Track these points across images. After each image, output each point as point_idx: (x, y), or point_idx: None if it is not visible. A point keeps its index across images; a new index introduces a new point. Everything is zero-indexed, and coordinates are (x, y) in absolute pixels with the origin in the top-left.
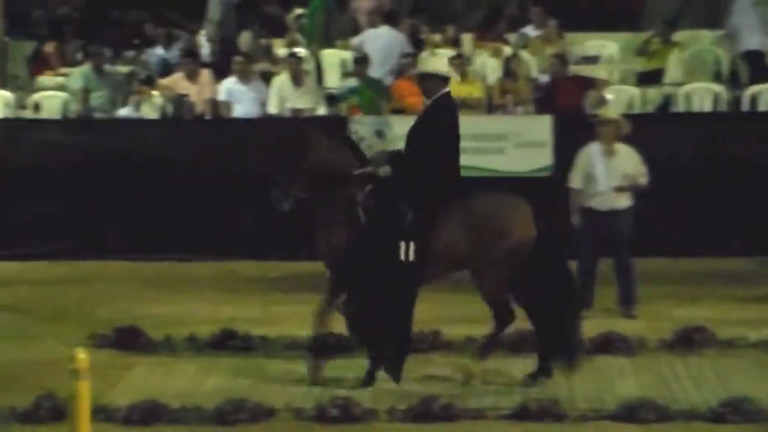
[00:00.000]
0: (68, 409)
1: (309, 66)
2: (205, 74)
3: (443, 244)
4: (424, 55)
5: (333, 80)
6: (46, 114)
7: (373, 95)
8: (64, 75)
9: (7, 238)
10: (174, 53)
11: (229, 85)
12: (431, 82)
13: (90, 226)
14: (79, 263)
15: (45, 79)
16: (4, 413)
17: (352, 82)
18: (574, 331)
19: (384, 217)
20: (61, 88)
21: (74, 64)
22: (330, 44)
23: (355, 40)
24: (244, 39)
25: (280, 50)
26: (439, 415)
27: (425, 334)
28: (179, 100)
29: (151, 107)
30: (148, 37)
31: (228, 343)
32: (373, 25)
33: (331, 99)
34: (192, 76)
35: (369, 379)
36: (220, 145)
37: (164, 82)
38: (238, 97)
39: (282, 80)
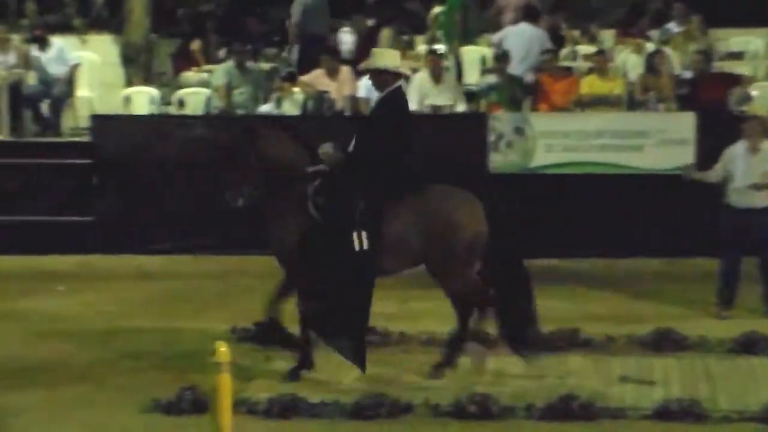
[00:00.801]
0: (210, 402)
1: (449, 63)
2: (345, 71)
3: (395, 238)
4: (377, 50)
5: (473, 77)
6: (189, 110)
7: (514, 92)
8: (208, 72)
9: (152, 232)
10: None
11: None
12: (382, 77)
13: (232, 222)
14: (221, 258)
15: (189, 75)
16: (148, 404)
17: (492, 78)
18: (531, 325)
19: (335, 210)
20: (204, 84)
21: (217, 60)
22: (470, 41)
23: (495, 37)
24: (385, 36)
25: (420, 47)
26: (578, 413)
27: (563, 332)
28: (320, 97)
29: (292, 104)
30: (289, 34)
31: (366, 338)
32: (515, 21)
33: (471, 96)
34: (332, 73)
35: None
36: None
37: (305, 78)
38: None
39: (422, 77)
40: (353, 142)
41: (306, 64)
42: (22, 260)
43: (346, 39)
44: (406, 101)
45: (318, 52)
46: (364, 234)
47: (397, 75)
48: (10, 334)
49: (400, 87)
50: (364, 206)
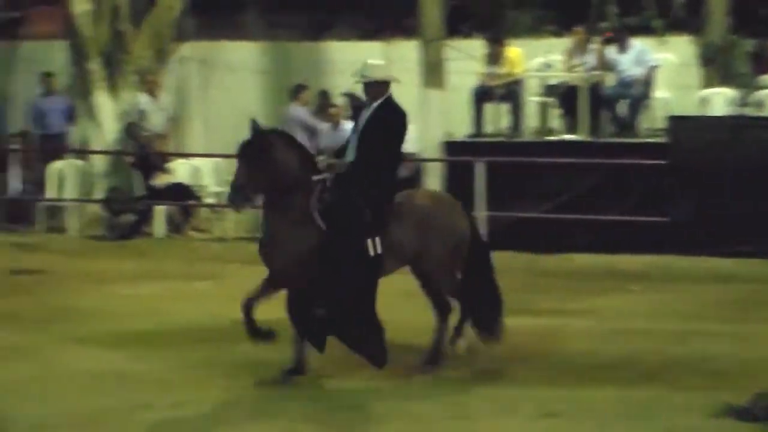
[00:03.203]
0: None
1: None
2: None
3: (394, 242)
4: (369, 63)
5: None
6: (767, 112)
7: None
8: None
9: (726, 234)
10: None
11: None
12: (378, 87)
13: None
14: None
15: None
16: (722, 408)
17: None
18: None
19: (344, 219)
20: None
21: None
22: None
23: None
24: None
25: None
26: None
27: None
28: None
29: None
30: None
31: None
32: None
33: None
34: None
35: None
36: None
37: None
38: None
39: None
40: (352, 151)
41: None
42: (597, 258)
43: None
44: (400, 110)
45: None
46: (378, 241)
47: (388, 85)
48: (587, 331)
49: (391, 96)
50: (370, 214)
